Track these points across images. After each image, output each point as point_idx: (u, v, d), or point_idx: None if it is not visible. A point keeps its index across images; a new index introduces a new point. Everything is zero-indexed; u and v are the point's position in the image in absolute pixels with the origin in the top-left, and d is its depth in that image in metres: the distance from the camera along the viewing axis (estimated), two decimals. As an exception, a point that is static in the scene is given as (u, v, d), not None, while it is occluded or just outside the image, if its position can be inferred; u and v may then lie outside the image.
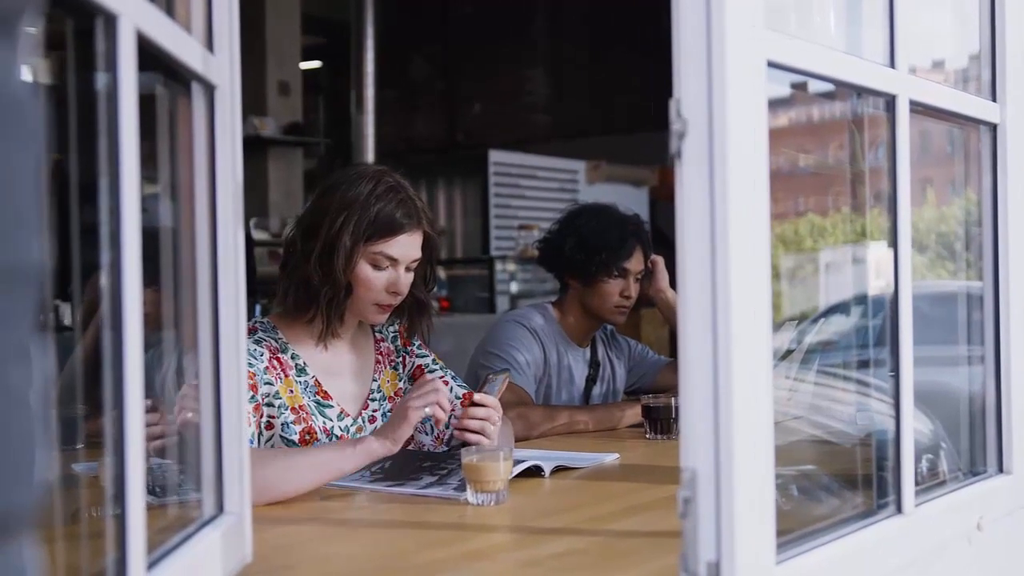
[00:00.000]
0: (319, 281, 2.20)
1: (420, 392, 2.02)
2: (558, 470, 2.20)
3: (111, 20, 1.01)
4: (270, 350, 2.19)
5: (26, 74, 0.59)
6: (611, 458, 2.38)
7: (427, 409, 2.00)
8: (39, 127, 0.59)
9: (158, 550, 1.18)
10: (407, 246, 2.24)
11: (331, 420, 2.24)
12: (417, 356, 2.46)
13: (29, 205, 0.57)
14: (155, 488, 1.37)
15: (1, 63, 0.55)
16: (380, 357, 2.40)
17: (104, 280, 1.03)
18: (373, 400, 2.35)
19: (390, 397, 2.38)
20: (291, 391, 2.20)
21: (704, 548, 1.19)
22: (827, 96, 1.76)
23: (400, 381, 2.42)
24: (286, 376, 2.21)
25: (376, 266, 2.22)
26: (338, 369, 2.32)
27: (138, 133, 1.05)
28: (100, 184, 1.04)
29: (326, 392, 2.26)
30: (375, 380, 2.37)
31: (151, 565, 1.11)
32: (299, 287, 2.23)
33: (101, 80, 1.03)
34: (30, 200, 0.57)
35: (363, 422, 2.31)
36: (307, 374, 2.25)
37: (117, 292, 1.02)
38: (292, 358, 2.25)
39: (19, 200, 0.56)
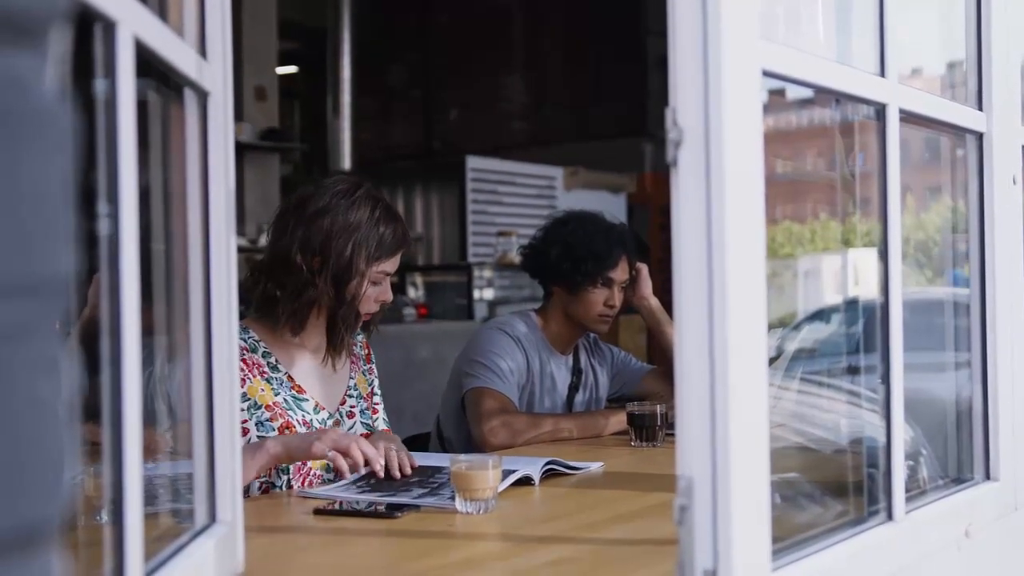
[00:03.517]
0: (333, 304, 2.29)
1: (339, 438, 2.07)
2: (548, 475, 2.20)
3: (110, 27, 1.00)
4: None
5: (55, 82, 0.58)
6: (596, 466, 2.38)
7: (330, 454, 2.04)
8: (68, 136, 0.59)
9: (153, 560, 1.17)
10: (399, 260, 2.38)
11: (308, 413, 2.31)
12: (375, 375, 2.56)
13: (58, 214, 0.57)
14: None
15: (30, 72, 0.55)
16: (354, 358, 2.50)
17: (103, 288, 1.02)
18: (351, 396, 2.44)
19: (365, 396, 2.48)
20: (262, 390, 2.26)
21: (701, 556, 1.19)
22: (804, 103, 1.77)
23: (369, 386, 2.52)
24: (254, 376, 2.26)
25: (374, 283, 2.33)
26: (314, 368, 2.38)
27: (136, 139, 1.05)
28: (95, 190, 1.03)
29: (300, 387, 2.33)
30: (352, 378, 2.46)
31: (146, 575, 1.10)
32: (306, 307, 2.29)
33: (99, 86, 1.02)
34: (59, 209, 0.57)
35: (341, 416, 2.40)
36: (280, 371, 2.31)
37: (116, 299, 1.01)
38: (263, 356, 2.30)
39: (48, 209, 0.56)
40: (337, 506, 1.94)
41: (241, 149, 7.43)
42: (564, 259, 3.03)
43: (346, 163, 8.66)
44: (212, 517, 1.38)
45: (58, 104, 0.58)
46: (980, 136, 1.86)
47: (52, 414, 0.57)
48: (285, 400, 2.28)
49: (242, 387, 2.20)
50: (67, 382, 0.60)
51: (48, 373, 0.57)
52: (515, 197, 8.42)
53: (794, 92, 1.57)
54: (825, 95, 1.63)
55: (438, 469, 2.20)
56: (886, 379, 1.55)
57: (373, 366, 2.56)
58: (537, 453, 2.52)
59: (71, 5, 0.62)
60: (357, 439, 2.11)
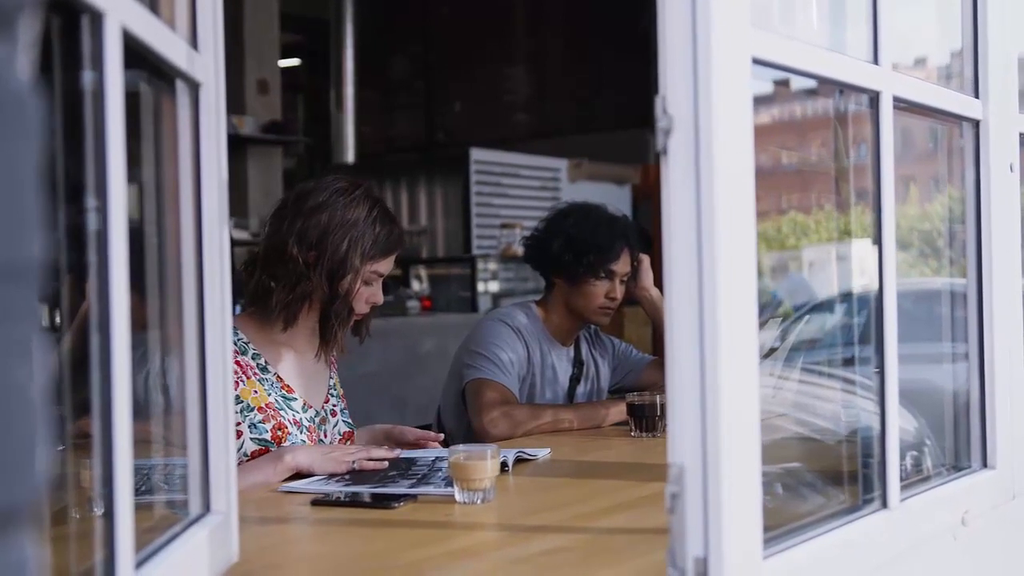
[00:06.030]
0: (326, 299, 2.32)
1: (356, 450, 2.21)
2: (544, 465, 2.22)
3: (97, 18, 1.00)
4: None
5: (25, 71, 0.59)
6: (544, 453, 2.41)
7: (355, 465, 2.16)
8: (38, 124, 0.59)
9: (145, 549, 1.17)
10: (392, 263, 2.41)
11: (297, 412, 2.35)
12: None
13: (29, 202, 0.58)
14: (139, 487, 1.37)
15: (1, 60, 0.55)
16: (334, 358, 2.53)
17: (90, 281, 1.02)
18: (333, 395, 2.49)
19: (342, 395, 2.53)
20: (255, 392, 2.29)
21: (692, 543, 1.19)
22: (810, 93, 1.77)
23: (341, 387, 2.57)
24: (248, 378, 2.29)
25: (366, 283, 2.36)
26: (299, 367, 2.41)
27: (124, 131, 1.05)
28: (84, 183, 1.03)
29: (288, 386, 2.36)
30: (331, 378, 2.51)
31: (138, 564, 1.10)
32: (299, 301, 2.31)
33: (87, 78, 1.03)
34: (30, 197, 0.58)
35: (326, 414, 2.44)
36: (269, 372, 2.34)
37: (104, 293, 1.01)
38: (253, 358, 2.33)
39: (20, 197, 0.56)
40: (340, 496, 1.94)
41: (243, 142, 7.44)
42: (566, 251, 3.03)
43: (349, 156, 8.67)
44: (206, 507, 1.39)
45: (29, 92, 0.58)
46: (976, 124, 1.86)
47: (26, 399, 0.58)
48: (276, 400, 2.31)
49: (235, 389, 2.22)
50: (41, 367, 0.60)
51: (21, 357, 0.57)
52: (519, 189, 8.42)
53: (798, 82, 1.57)
54: (824, 84, 1.63)
55: (413, 461, 2.24)
56: (880, 367, 1.56)
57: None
58: (537, 443, 2.53)
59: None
60: (368, 448, 2.26)
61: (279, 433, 2.27)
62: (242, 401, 2.25)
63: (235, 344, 2.29)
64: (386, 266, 2.38)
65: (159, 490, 1.48)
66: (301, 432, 2.31)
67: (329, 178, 2.40)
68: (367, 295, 2.37)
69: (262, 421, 2.26)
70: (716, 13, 1.18)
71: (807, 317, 2.41)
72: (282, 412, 2.30)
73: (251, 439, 2.25)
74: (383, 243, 2.34)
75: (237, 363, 2.26)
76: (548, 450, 2.44)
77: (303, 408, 2.36)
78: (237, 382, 2.24)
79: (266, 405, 2.28)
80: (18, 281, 0.56)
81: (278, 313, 2.31)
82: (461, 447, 1.98)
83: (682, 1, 1.19)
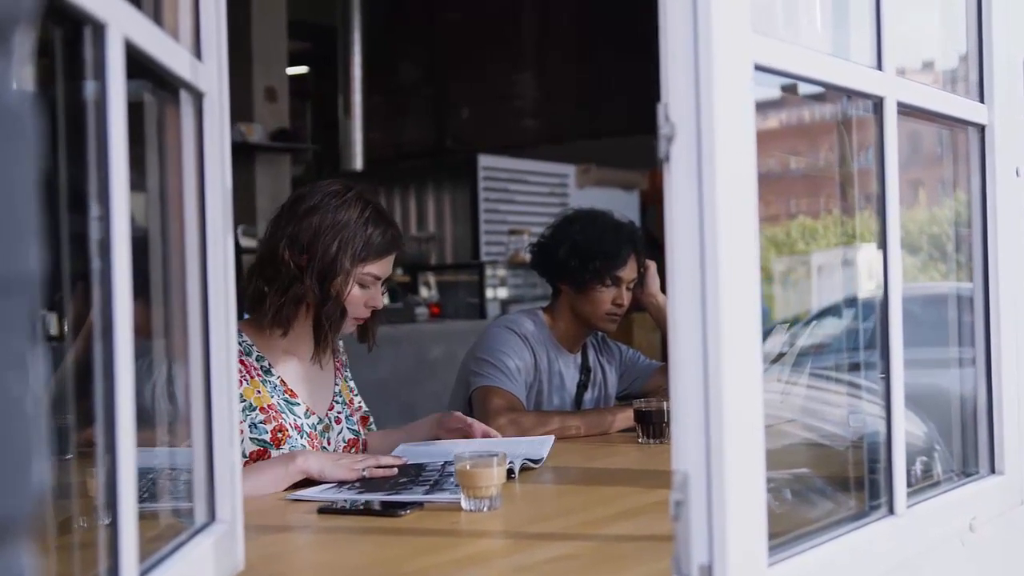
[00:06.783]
0: (318, 302, 2.31)
1: (365, 458, 2.22)
2: (523, 469, 2.23)
3: (99, 28, 1.01)
4: None
5: (21, 83, 0.59)
6: (548, 441, 2.45)
7: (365, 473, 2.15)
8: (35, 136, 0.59)
9: (150, 559, 1.17)
10: (390, 265, 2.40)
11: (299, 417, 2.35)
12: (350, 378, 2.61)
13: (26, 214, 0.58)
14: (144, 495, 1.37)
15: (-4, 73, 0.55)
16: (338, 365, 2.53)
17: (94, 290, 1.02)
18: (337, 402, 2.48)
19: (348, 402, 2.52)
20: (258, 392, 2.30)
21: (696, 551, 1.19)
22: (818, 99, 1.77)
23: (351, 392, 2.56)
24: (252, 378, 2.30)
25: (362, 285, 2.35)
26: (303, 374, 2.41)
27: (127, 141, 1.05)
28: (89, 193, 1.04)
29: (292, 391, 2.36)
30: (336, 385, 2.50)
31: (143, 573, 1.11)
32: (292, 304, 2.31)
33: (89, 88, 1.03)
34: (27, 209, 0.58)
35: (330, 421, 2.44)
36: (273, 375, 2.35)
37: (108, 302, 1.01)
38: (257, 360, 2.34)
39: (16, 209, 0.56)
40: (345, 504, 1.94)
41: (252, 150, 7.44)
42: (572, 257, 3.03)
43: (357, 163, 8.67)
44: (211, 516, 1.39)
45: (26, 104, 0.58)
46: (982, 128, 1.86)
47: (21, 410, 0.58)
48: (279, 403, 2.32)
49: (238, 388, 2.23)
50: (38, 379, 0.60)
51: (18, 369, 0.58)
52: (527, 195, 8.42)
53: (806, 86, 1.57)
54: (829, 90, 1.63)
55: (423, 467, 2.23)
56: (887, 371, 1.55)
57: (348, 372, 2.59)
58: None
59: (38, 7, 0.63)
60: (377, 456, 2.25)
61: (279, 435, 2.27)
62: (244, 400, 2.25)
63: (240, 345, 2.29)
64: (381, 268, 2.36)
65: (164, 497, 1.48)
66: (301, 437, 2.31)
67: (324, 182, 2.40)
68: (365, 298, 2.35)
69: (263, 422, 2.27)
70: (717, 19, 1.18)
71: (815, 322, 2.41)
72: (283, 415, 2.30)
73: (251, 439, 2.25)
74: (376, 245, 2.33)
75: (241, 363, 2.27)
76: (552, 438, 2.47)
77: (306, 414, 2.36)
78: (240, 380, 2.24)
79: (268, 406, 2.29)
80: (14, 293, 0.57)
81: (271, 317, 2.30)
82: (467, 454, 1.98)
83: (683, 7, 1.19)
